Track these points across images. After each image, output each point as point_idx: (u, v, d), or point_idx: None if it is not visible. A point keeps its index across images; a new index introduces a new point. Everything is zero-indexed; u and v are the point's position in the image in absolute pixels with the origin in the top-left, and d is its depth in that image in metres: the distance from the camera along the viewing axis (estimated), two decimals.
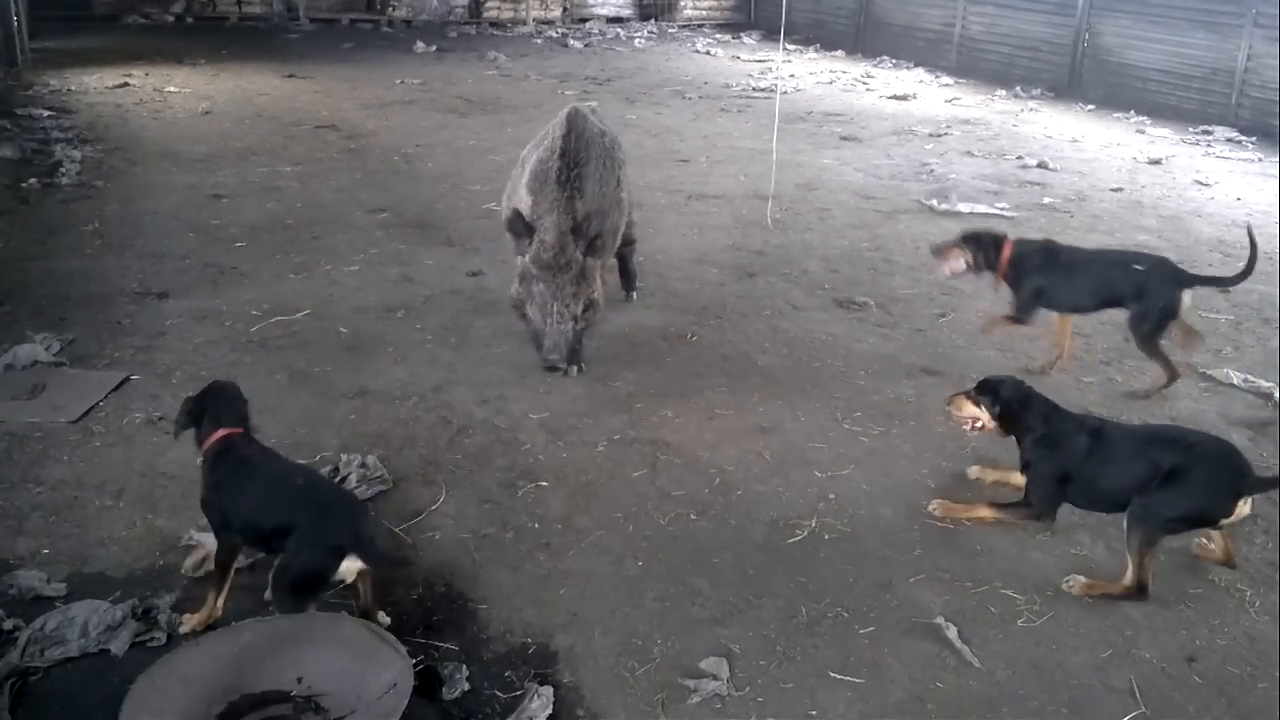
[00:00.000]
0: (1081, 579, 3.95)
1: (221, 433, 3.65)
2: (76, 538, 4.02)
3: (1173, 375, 5.53)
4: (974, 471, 4.72)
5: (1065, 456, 4.08)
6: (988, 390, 4.30)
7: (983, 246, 5.61)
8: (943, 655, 3.61)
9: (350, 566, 3.36)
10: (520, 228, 5.27)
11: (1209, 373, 5.88)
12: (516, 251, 5.38)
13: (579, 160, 5.50)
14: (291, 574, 3.35)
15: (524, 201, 5.43)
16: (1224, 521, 3.87)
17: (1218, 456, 3.92)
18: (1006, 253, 5.56)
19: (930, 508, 4.42)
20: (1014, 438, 4.29)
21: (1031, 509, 4.19)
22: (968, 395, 4.38)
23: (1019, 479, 4.33)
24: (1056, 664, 3.59)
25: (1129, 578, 3.86)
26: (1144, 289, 5.38)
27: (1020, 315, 5.63)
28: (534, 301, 5.31)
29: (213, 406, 3.73)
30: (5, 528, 4.06)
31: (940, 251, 5.80)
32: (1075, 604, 3.89)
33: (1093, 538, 4.30)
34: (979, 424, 4.35)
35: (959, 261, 5.66)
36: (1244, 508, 3.82)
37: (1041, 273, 5.52)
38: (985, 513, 4.33)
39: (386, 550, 3.83)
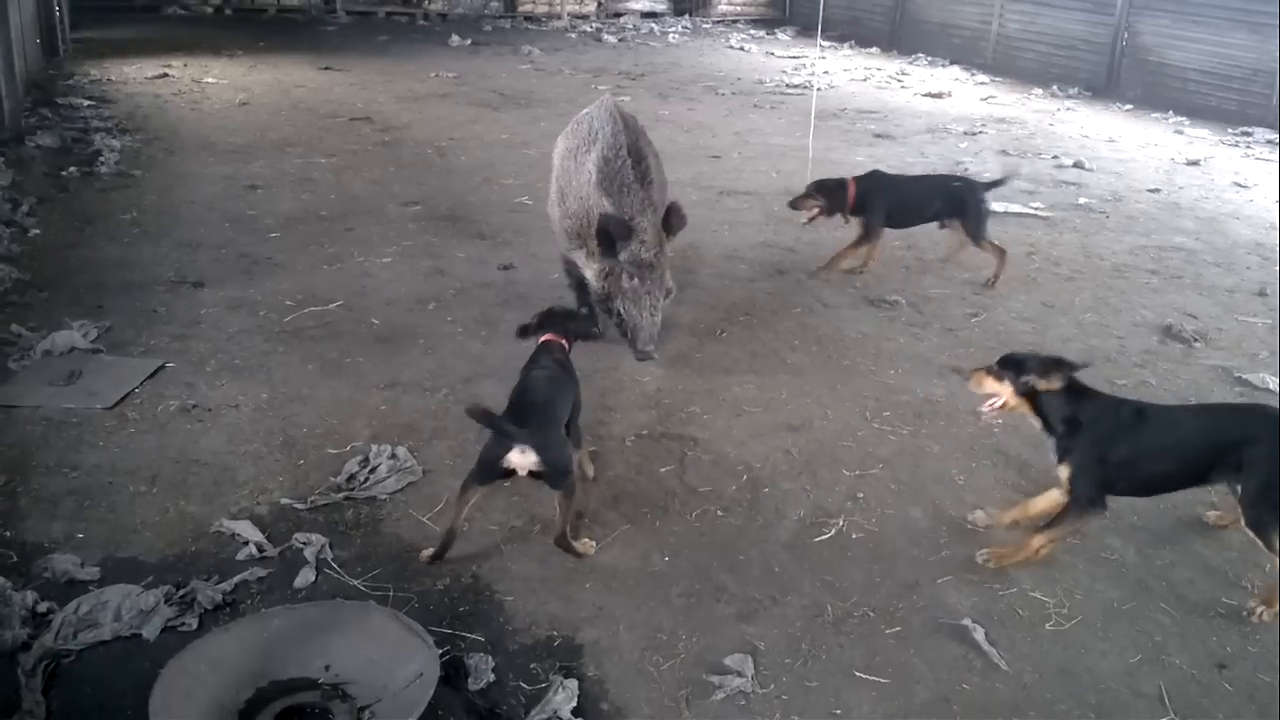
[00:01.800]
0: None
1: (545, 337, 4.43)
2: (110, 523, 4.08)
3: (1002, 256, 7.04)
4: (980, 518, 4.37)
5: (1106, 437, 3.85)
6: (1011, 365, 3.99)
7: (830, 190, 6.88)
8: (969, 657, 3.59)
9: (517, 458, 3.76)
10: (622, 230, 5.33)
11: (1245, 377, 5.82)
12: (605, 253, 5.39)
13: (642, 154, 5.68)
14: (480, 456, 3.88)
15: (602, 205, 5.45)
16: None
17: (1264, 415, 3.89)
18: (852, 190, 6.82)
19: (981, 559, 4.10)
20: (1043, 426, 3.99)
21: (1081, 503, 3.89)
22: (989, 371, 4.05)
23: (1039, 505, 4.16)
24: (1085, 668, 3.57)
25: None
26: (965, 201, 6.88)
27: (870, 235, 7.01)
28: (626, 297, 5.42)
29: (547, 320, 4.52)
30: (40, 512, 4.12)
31: (796, 203, 7.02)
32: (1104, 608, 3.86)
33: (1124, 542, 4.27)
34: (1000, 403, 4.00)
35: (814, 208, 6.90)
36: None
37: (886, 199, 6.93)
38: (1039, 541, 3.99)
39: (559, 457, 3.88)
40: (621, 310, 5.48)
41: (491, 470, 3.82)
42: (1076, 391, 3.94)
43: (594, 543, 4.06)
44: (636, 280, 5.40)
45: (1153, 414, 3.98)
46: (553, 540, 3.98)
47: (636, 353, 5.53)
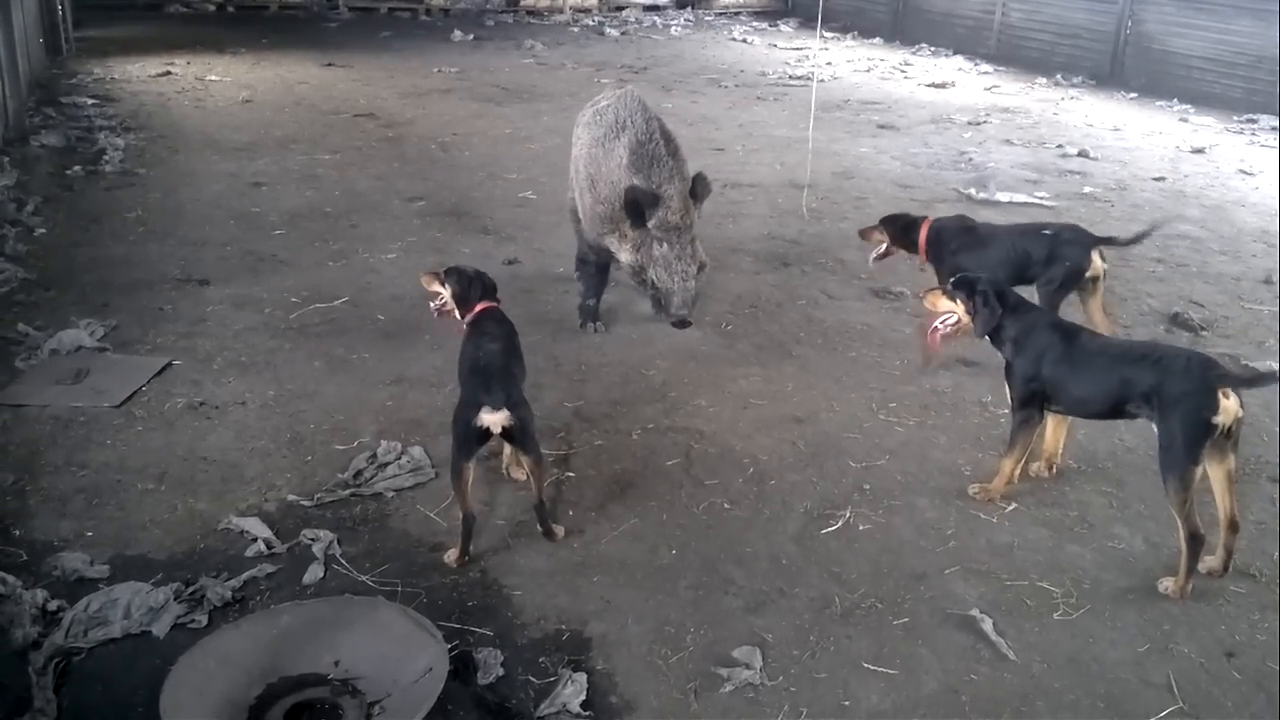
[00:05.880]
0: (1170, 581, 3.88)
1: (482, 305, 4.42)
2: (119, 521, 4.09)
3: None
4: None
5: (1036, 355, 4.17)
6: (963, 286, 4.36)
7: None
8: (977, 648, 3.59)
9: (489, 416, 3.78)
10: (649, 198, 5.50)
11: (1251, 364, 5.80)
12: (635, 225, 5.55)
13: (668, 135, 5.85)
14: (454, 425, 3.93)
15: (632, 183, 5.58)
16: (1217, 420, 3.68)
17: (1184, 365, 3.84)
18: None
19: (971, 492, 4.46)
20: (994, 344, 4.38)
21: (1016, 422, 4.28)
22: (943, 290, 4.43)
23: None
24: (1093, 658, 3.57)
25: (1181, 535, 3.79)
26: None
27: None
28: (657, 264, 5.59)
29: (481, 291, 4.50)
30: (50, 510, 4.13)
31: None
32: (1112, 597, 3.86)
33: (1130, 531, 4.27)
34: (955, 320, 4.39)
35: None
36: (1231, 404, 3.69)
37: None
38: (1006, 464, 4.37)
39: (527, 413, 3.98)
40: (654, 278, 5.61)
41: (468, 436, 3.84)
42: (1021, 311, 4.30)
43: (563, 528, 4.13)
44: (666, 246, 5.55)
45: (1084, 338, 4.21)
46: (533, 506, 4.07)
47: (671, 317, 5.66)
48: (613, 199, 5.63)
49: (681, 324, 5.70)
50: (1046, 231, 5.61)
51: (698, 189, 5.73)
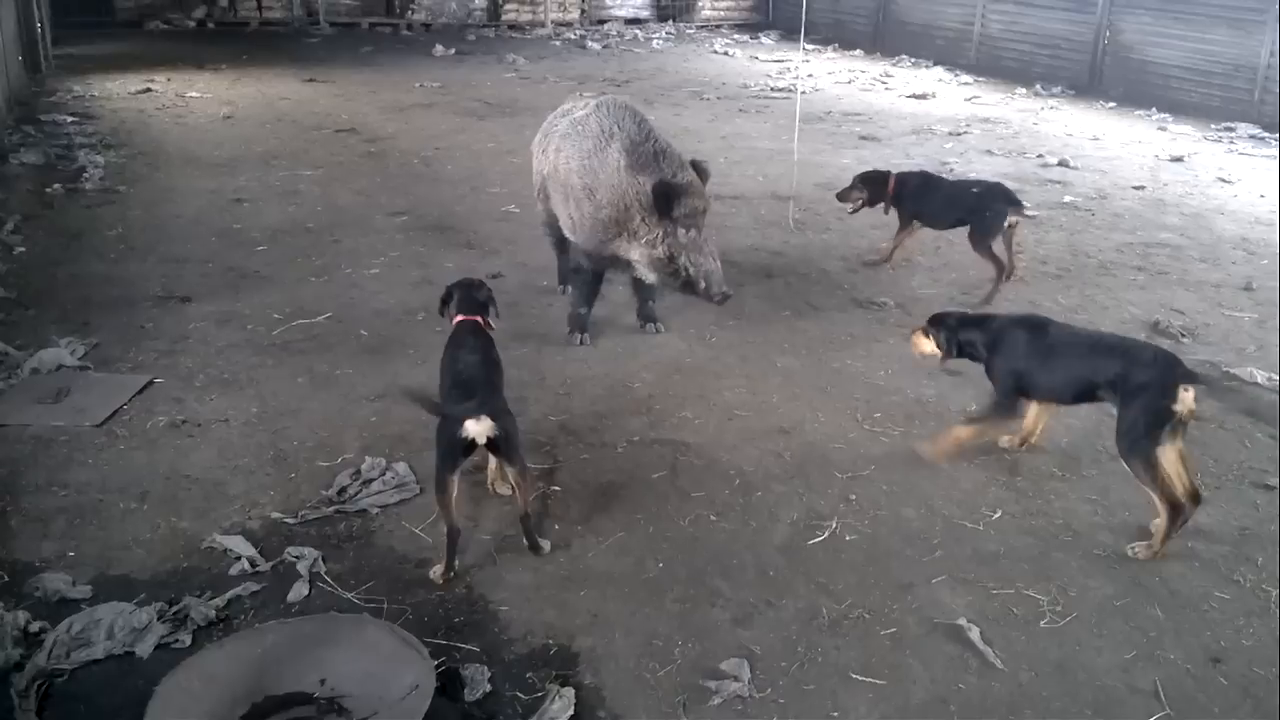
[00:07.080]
0: (1142, 545, 4.12)
1: (460, 317, 4.51)
2: (101, 540, 4.06)
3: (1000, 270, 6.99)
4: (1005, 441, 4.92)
5: (1010, 351, 4.51)
6: (936, 323, 4.73)
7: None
8: (965, 656, 3.59)
9: (474, 427, 3.77)
10: (676, 189, 5.58)
11: (1233, 371, 5.84)
12: (661, 215, 5.58)
13: (657, 132, 5.93)
14: (437, 437, 3.89)
15: (637, 183, 5.63)
16: (1176, 409, 3.97)
17: (1149, 357, 4.17)
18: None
19: (920, 451, 4.79)
20: (972, 360, 4.71)
21: (994, 404, 4.60)
22: (922, 330, 4.79)
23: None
24: (1080, 665, 3.57)
25: (1160, 506, 4.03)
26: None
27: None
28: (688, 249, 5.64)
29: (461, 298, 4.63)
30: (31, 531, 4.10)
31: None
32: (1098, 605, 3.87)
33: (1116, 538, 4.27)
34: (934, 354, 4.74)
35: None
36: (1188, 397, 3.96)
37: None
38: (962, 431, 4.70)
39: (511, 424, 3.96)
40: (687, 263, 5.64)
41: (453, 448, 3.82)
42: (982, 323, 4.68)
43: (549, 543, 4.11)
44: (693, 231, 5.62)
45: (1053, 331, 4.54)
46: (518, 520, 4.05)
47: (716, 296, 5.71)
48: (616, 202, 5.64)
49: (724, 299, 5.77)
50: (975, 190, 7.09)
51: (701, 176, 5.84)
